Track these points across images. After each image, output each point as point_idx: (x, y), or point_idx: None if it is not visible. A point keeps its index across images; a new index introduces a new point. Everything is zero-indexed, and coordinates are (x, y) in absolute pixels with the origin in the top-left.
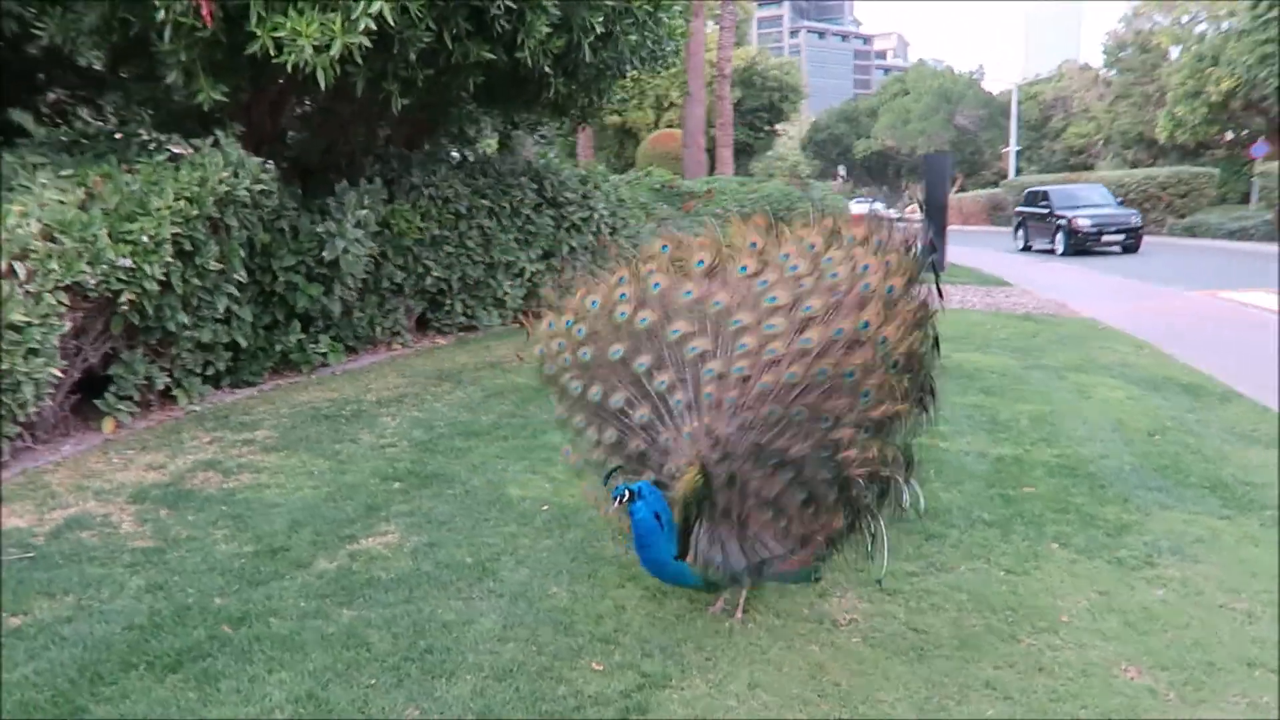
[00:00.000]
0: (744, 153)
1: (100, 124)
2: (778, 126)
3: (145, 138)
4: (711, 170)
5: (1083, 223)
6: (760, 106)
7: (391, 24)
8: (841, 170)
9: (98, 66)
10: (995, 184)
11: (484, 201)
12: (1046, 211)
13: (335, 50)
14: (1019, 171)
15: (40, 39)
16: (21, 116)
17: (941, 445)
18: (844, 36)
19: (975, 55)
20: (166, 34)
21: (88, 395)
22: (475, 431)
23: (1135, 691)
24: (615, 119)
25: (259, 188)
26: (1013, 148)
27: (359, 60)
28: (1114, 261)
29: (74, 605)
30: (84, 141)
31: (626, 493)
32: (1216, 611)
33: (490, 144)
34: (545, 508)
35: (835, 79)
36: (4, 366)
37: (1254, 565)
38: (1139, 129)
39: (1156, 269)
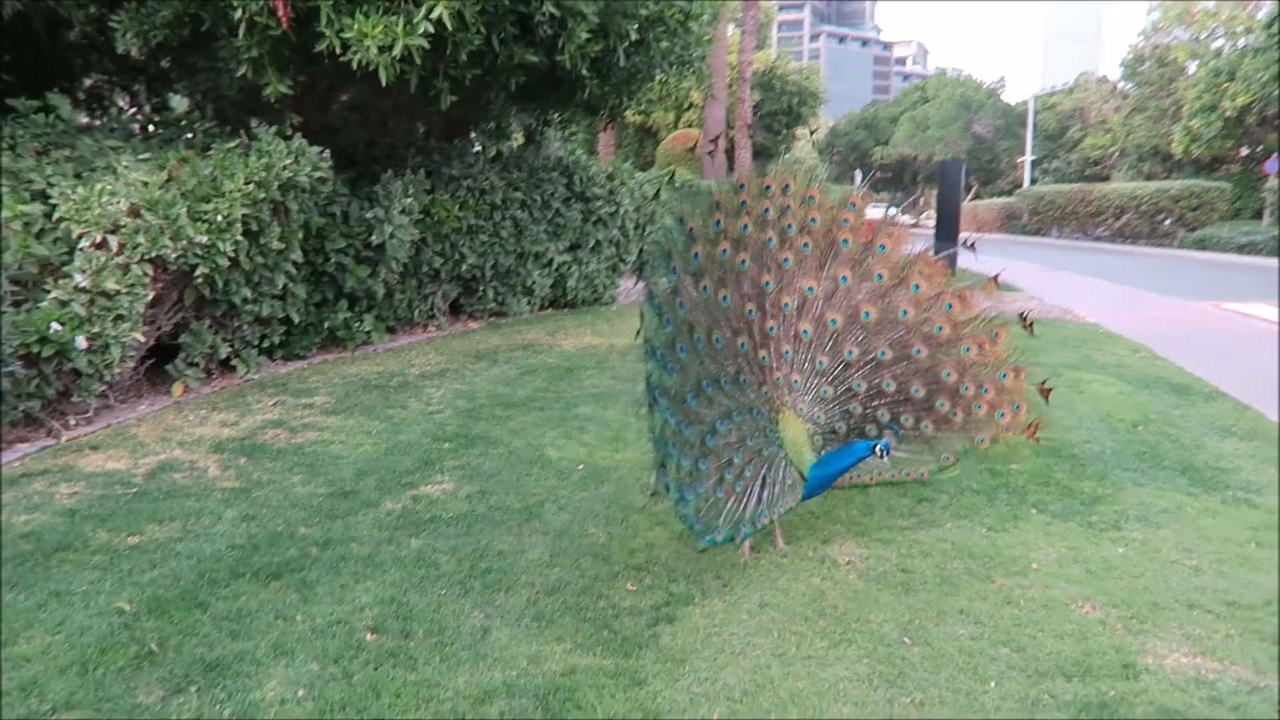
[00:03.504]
0: (762, 155)
1: (168, 113)
2: (796, 130)
3: (207, 125)
4: (730, 171)
5: None
6: (779, 110)
7: (448, 27)
8: (858, 176)
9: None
10: (1010, 193)
11: (517, 194)
12: None
13: (397, 50)
14: (1034, 181)
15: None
16: (58, 99)
17: None
18: (864, 42)
19: (994, 64)
20: (241, 31)
21: (157, 362)
22: (513, 403)
23: (1087, 622)
24: (638, 118)
25: (317, 174)
26: (1028, 157)
27: (417, 60)
28: (1124, 272)
29: (181, 529)
30: (152, 129)
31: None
32: (1169, 565)
33: (518, 138)
34: (580, 467)
35: (853, 84)
36: (95, 330)
37: (1209, 533)
38: (1154, 142)
39: (1167, 280)
